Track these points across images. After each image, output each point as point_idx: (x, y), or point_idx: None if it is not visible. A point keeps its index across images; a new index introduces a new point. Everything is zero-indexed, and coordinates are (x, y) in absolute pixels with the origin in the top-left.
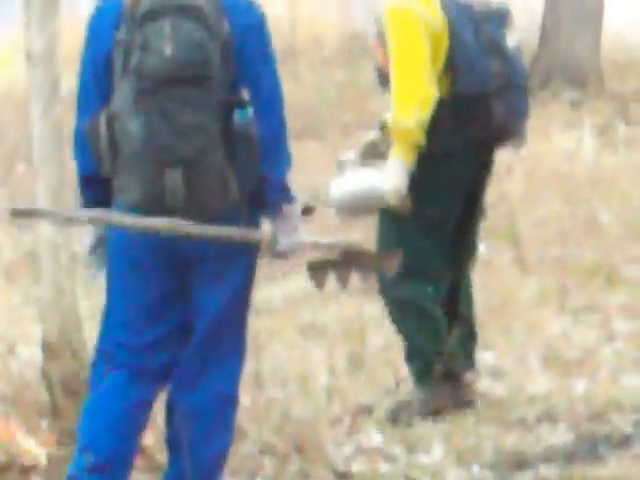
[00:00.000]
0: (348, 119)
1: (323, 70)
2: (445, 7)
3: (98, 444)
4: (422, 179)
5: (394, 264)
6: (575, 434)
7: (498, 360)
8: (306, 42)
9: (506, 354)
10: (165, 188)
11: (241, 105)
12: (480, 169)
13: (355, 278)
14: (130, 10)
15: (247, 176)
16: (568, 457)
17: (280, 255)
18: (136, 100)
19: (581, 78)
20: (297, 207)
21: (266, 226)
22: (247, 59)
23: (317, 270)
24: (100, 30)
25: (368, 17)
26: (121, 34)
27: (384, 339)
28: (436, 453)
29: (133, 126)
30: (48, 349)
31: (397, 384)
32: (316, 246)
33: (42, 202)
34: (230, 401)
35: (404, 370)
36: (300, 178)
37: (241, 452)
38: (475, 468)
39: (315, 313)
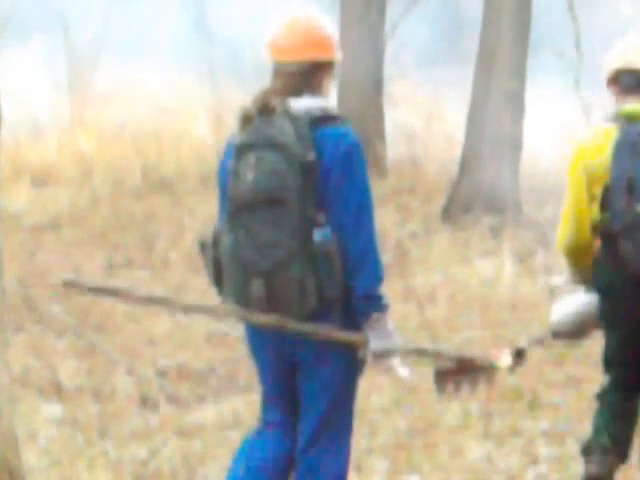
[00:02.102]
0: None
1: None
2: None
3: None
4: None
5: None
6: None
7: None
8: None
9: (431, 477)
10: (251, 294)
11: (319, 225)
12: None
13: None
14: (237, 144)
15: (328, 286)
16: None
17: (375, 357)
18: (228, 220)
19: (501, 205)
20: (387, 315)
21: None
22: (333, 184)
23: (442, 378)
24: (224, 160)
25: None
26: (230, 164)
27: None
28: None
29: (227, 242)
30: None
31: None
32: (424, 353)
33: None
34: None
35: None
36: None
37: None
38: None
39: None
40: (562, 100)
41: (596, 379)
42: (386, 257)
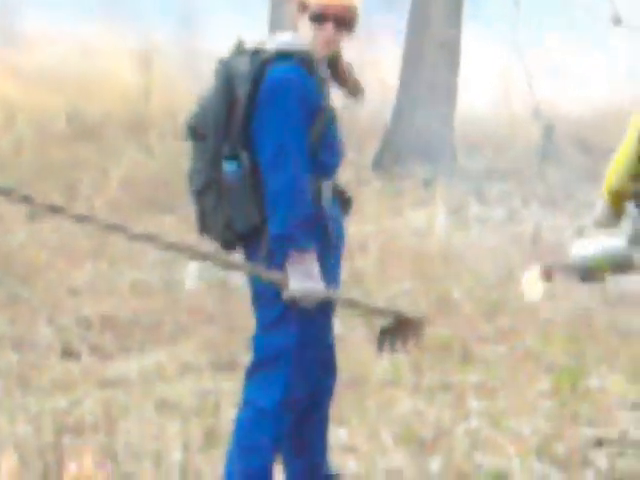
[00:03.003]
0: None
1: (175, 141)
2: None
3: None
4: None
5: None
6: None
7: (351, 436)
8: (159, 111)
9: (360, 431)
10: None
11: (231, 159)
12: None
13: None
14: None
15: (237, 219)
16: None
17: (292, 298)
18: None
19: (434, 155)
20: (309, 259)
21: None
22: (258, 122)
23: (386, 336)
24: None
25: None
26: None
27: None
28: None
29: None
30: None
31: None
32: (352, 305)
33: None
34: None
35: None
36: (153, 249)
37: None
38: None
39: (170, 387)
40: (499, 47)
41: (527, 332)
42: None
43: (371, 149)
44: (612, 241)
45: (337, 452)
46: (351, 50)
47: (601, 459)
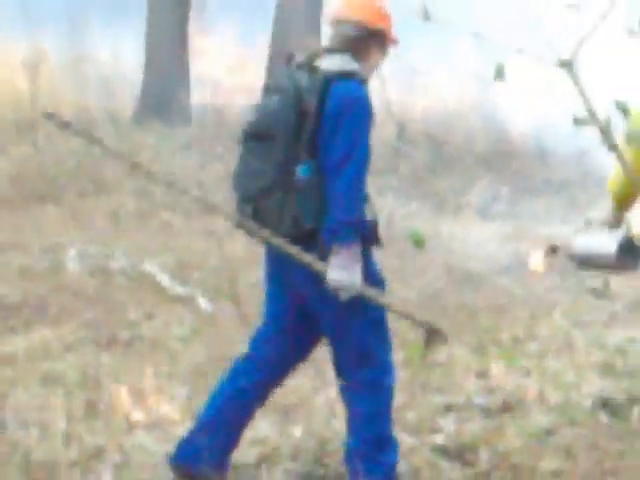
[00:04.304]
0: (84, 185)
1: (60, 140)
2: None
3: None
4: None
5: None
6: (293, 477)
7: None
8: (45, 110)
9: None
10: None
11: (302, 162)
12: None
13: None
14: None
15: (305, 216)
16: None
17: (331, 287)
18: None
19: None
20: (351, 253)
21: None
22: (327, 132)
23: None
24: None
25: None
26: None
27: (116, 387)
28: None
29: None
30: None
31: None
32: (396, 310)
33: None
34: None
35: (136, 415)
36: (39, 238)
37: None
38: None
39: (55, 364)
40: None
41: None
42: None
43: None
44: (608, 241)
45: None
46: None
47: (449, 424)
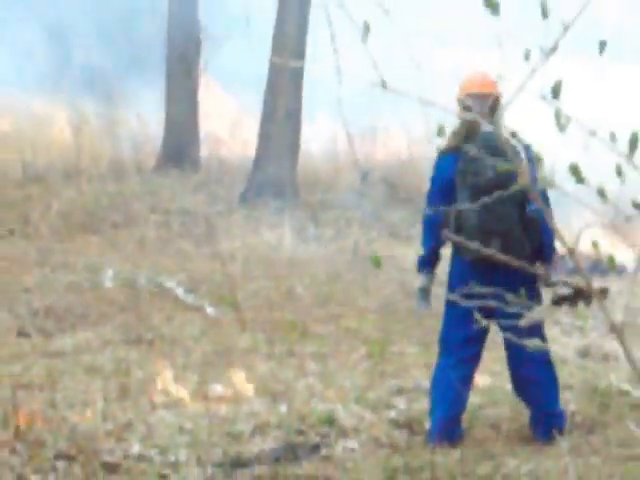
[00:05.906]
0: (117, 219)
1: (98, 184)
2: None
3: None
4: None
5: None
6: (280, 443)
7: (224, 390)
8: (87, 162)
9: (230, 386)
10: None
11: (528, 204)
12: None
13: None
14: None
15: (533, 241)
16: (275, 460)
17: (550, 284)
18: (471, 200)
19: (283, 192)
20: (559, 259)
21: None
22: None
23: (557, 300)
24: (444, 166)
25: None
26: (460, 166)
27: (142, 375)
28: (182, 452)
29: (471, 215)
30: None
31: None
32: (566, 284)
33: None
34: None
35: (158, 397)
36: (83, 260)
37: (42, 456)
38: (209, 468)
39: (94, 357)
40: (329, 116)
41: (349, 316)
42: (199, 229)
43: (238, 189)
44: None
45: (213, 401)
46: (226, 117)
47: (401, 403)
